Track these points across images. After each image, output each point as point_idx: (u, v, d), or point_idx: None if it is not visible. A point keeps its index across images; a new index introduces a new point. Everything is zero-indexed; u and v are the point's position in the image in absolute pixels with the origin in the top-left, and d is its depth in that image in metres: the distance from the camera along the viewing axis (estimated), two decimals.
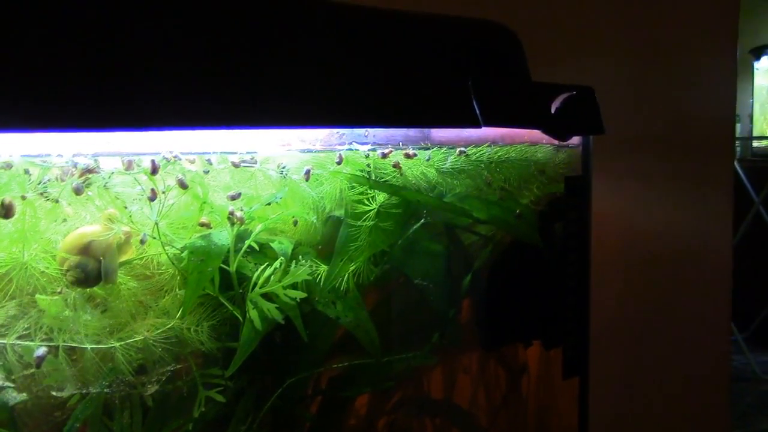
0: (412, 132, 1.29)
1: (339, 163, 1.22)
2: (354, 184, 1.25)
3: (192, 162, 1.18)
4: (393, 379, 1.40)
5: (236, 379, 1.25)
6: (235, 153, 1.18)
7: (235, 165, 1.18)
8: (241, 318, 1.19)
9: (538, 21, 2.16)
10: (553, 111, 1.43)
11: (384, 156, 1.25)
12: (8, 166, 1.06)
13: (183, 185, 1.14)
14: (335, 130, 1.21)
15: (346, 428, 1.44)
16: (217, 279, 1.20)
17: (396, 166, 1.26)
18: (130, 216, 1.13)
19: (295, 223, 1.25)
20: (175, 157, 1.12)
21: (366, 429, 1.52)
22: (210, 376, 1.26)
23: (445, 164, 1.30)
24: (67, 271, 1.13)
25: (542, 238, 1.44)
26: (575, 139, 1.53)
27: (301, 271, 1.19)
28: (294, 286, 1.20)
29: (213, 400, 1.24)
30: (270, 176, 1.21)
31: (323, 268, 1.25)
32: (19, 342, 1.12)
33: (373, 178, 1.26)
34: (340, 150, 1.22)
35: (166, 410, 1.25)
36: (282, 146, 1.20)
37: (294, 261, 1.21)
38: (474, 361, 1.56)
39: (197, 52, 1.06)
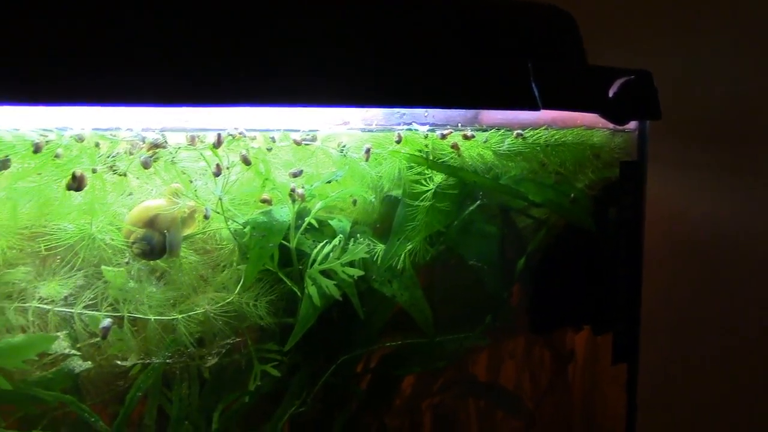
0: (470, 113, 1.33)
1: (398, 143, 1.26)
2: (412, 164, 1.29)
3: (253, 139, 1.23)
4: (445, 359, 1.44)
5: (291, 355, 1.30)
6: (298, 131, 1.22)
7: (297, 143, 1.23)
8: (299, 294, 1.24)
9: (592, 2, 2.18)
10: (610, 95, 1.45)
11: (443, 137, 1.28)
12: (80, 139, 1.12)
13: (246, 161, 1.19)
14: (396, 110, 1.25)
15: (394, 407, 1.50)
16: (276, 255, 1.25)
17: (454, 147, 1.29)
18: (195, 191, 1.19)
19: (354, 202, 1.30)
20: (240, 133, 1.17)
21: (412, 409, 1.57)
22: (265, 351, 1.31)
23: (502, 146, 1.34)
24: (133, 243, 1.18)
25: (596, 223, 1.48)
26: (631, 124, 1.55)
27: (360, 249, 1.24)
28: (351, 264, 1.25)
29: (268, 374, 1.30)
30: (330, 154, 1.26)
31: (380, 247, 1.30)
32: (85, 311, 1.19)
33: (431, 158, 1.29)
34: (399, 129, 1.26)
35: (222, 383, 1.31)
36: (342, 124, 1.24)
37: (352, 239, 1.25)
38: (522, 345, 1.61)
39: (269, 32, 1.11)
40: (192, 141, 1.19)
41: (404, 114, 1.26)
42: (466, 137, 1.31)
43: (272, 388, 1.31)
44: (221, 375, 1.29)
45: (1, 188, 1.11)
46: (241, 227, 1.20)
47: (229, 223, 1.20)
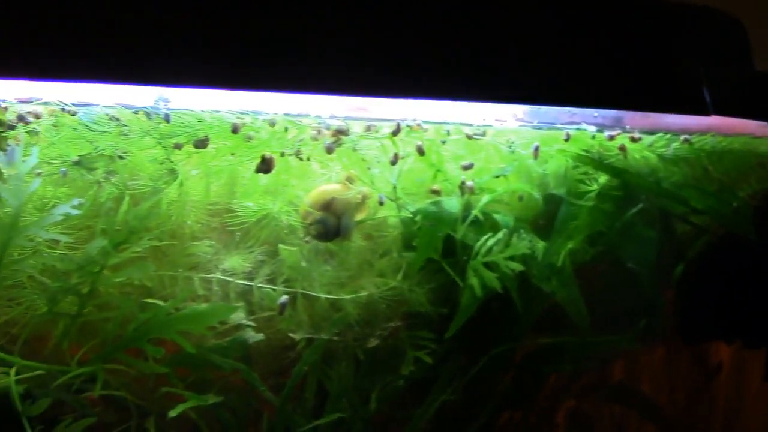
0: (638, 116, 1.36)
1: (566, 141, 1.30)
2: (578, 164, 1.33)
3: (425, 131, 1.30)
4: (595, 360, 1.48)
5: (444, 344, 1.37)
6: (471, 125, 1.29)
7: (468, 137, 1.29)
8: (461, 284, 1.30)
9: (760, 8, 2.15)
10: None
11: (611, 138, 1.32)
12: (272, 123, 1.21)
13: (421, 152, 1.26)
14: (567, 109, 1.29)
15: (536, 405, 1.54)
16: (440, 245, 1.32)
17: (622, 149, 1.33)
18: (372, 178, 1.27)
19: (521, 198, 1.35)
20: (417, 125, 1.24)
21: (550, 409, 1.61)
22: (419, 338, 1.38)
23: (667, 150, 1.36)
24: (310, 225, 1.27)
25: (757, 234, 1.48)
26: None
27: (522, 244, 1.29)
28: (512, 259, 1.30)
29: (420, 360, 1.37)
30: (500, 149, 1.31)
31: (540, 244, 1.34)
32: (263, 286, 1.29)
33: (598, 158, 1.33)
34: (568, 128, 1.30)
35: (377, 365, 1.39)
36: (513, 121, 1.29)
37: (515, 234, 1.30)
38: (667, 352, 1.62)
39: (458, 33, 1.17)
40: (367, 130, 1.27)
41: (574, 113, 1.31)
42: (633, 140, 1.34)
43: (424, 376, 1.37)
44: (376, 357, 1.37)
45: (198, 166, 1.21)
46: (411, 216, 1.27)
47: (399, 211, 1.27)
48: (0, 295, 1.17)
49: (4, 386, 1.18)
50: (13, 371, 1.19)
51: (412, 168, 1.25)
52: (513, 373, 1.48)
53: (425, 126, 1.25)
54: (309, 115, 1.18)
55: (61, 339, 1.22)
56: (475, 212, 1.28)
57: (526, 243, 1.28)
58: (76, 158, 1.16)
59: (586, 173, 1.33)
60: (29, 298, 1.22)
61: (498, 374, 1.43)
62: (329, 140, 1.19)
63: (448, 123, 1.25)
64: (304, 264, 1.26)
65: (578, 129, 1.28)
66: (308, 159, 1.22)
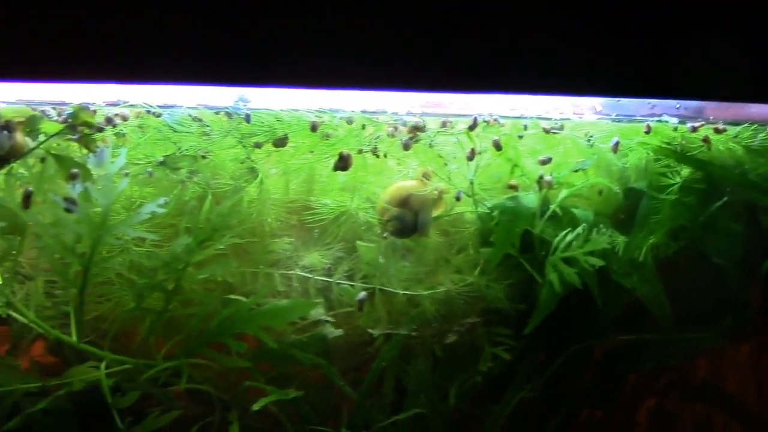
0: (721, 107, 1.33)
1: (647, 134, 1.28)
2: (659, 156, 1.30)
3: (502, 125, 1.30)
4: (678, 357, 1.45)
5: (521, 340, 1.36)
6: (548, 119, 1.28)
7: (546, 131, 1.28)
8: (539, 280, 1.29)
9: None
10: None
11: (693, 129, 1.29)
12: (349, 121, 1.23)
13: (498, 147, 1.26)
14: (647, 101, 1.27)
15: (616, 403, 1.52)
16: (517, 241, 1.32)
17: (706, 140, 1.30)
18: (449, 174, 1.27)
19: (600, 192, 1.33)
20: (494, 119, 1.24)
21: (630, 407, 1.59)
22: (496, 334, 1.38)
23: (753, 141, 1.32)
24: (387, 221, 1.29)
25: None
26: None
27: (602, 239, 1.27)
28: (592, 254, 1.29)
29: (498, 357, 1.36)
30: (578, 143, 1.30)
31: (621, 239, 1.32)
32: (342, 282, 1.31)
33: (680, 151, 1.31)
34: (648, 120, 1.28)
35: (454, 361, 1.39)
36: (591, 114, 1.28)
37: (594, 229, 1.29)
38: (755, 349, 1.58)
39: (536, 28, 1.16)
40: (443, 126, 1.27)
41: (654, 105, 1.28)
42: (717, 131, 1.31)
43: (501, 372, 1.37)
44: (453, 353, 1.37)
45: (277, 164, 1.24)
46: (488, 211, 1.27)
47: (476, 206, 1.27)
48: (90, 292, 1.22)
49: (95, 379, 1.23)
50: (103, 365, 1.24)
51: (489, 163, 1.25)
52: (592, 370, 1.46)
53: (502, 121, 1.24)
54: (385, 111, 1.20)
55: (147, 334, 1.26)
56: (553, 207, 1.28)
57: (606, 238, 1.26)
58: (161, 159, 1.19)
59: (667, 166, 1.30)
60: (117, 295, 1.27)
61: (577, 372, 1.42)
62: (406, 137, 1.20)
63: (525, 117, 1.24)
64: (381, 260, 1.27)
65: (659, 121, 1.26)
66: (385, 156, 1.22)
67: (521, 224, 1.27)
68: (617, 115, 1.28)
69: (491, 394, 1.41)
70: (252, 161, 1.21)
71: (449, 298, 1.30)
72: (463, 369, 1.38)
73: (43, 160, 1.17)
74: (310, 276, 1.27)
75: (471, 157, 1.22)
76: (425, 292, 1.28)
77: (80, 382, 1.24)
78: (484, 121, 1.21)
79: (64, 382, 1.24)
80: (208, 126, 1.19)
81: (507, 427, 1.39)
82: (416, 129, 1.20)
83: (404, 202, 1.24)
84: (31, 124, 1.17)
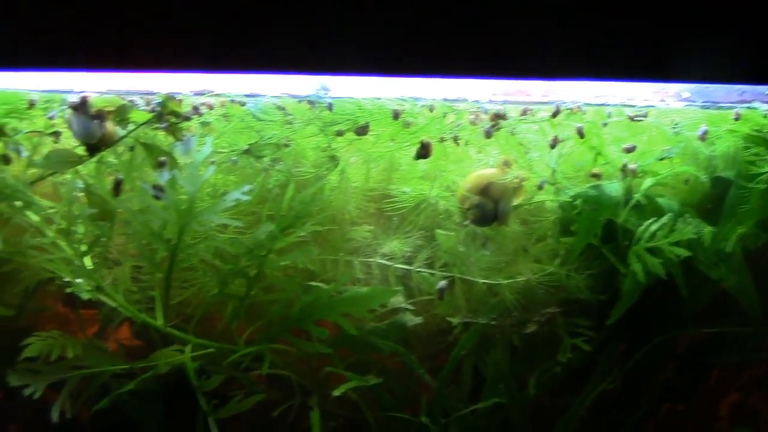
0: None
1: (736, 121, 1.25)
2: (749, 144, 1.27)
3: (585, 113, 1.28)
4: (766, 351, 1.42)
5: (602, 331, 1.34)
6: (633, 106, 1.26)
7: (630, 118, 1.26)
8: (622, 270, 1.28)
9: None
10: None
11: None
12: (431, 109, 1.23)
13: (581, 134, 1.24)
14: (736, 87, 1.24)
15: (699, 397, 1.49)
16: (600, 230, 1.30)
17: None
18: (530, 162, 1.26)
19: (687, 181, 1.31)
20: (578, 107, 1.22)
21: (713, 401, 1.55)
22: (576, 325, 1.37)
23: None
24: (467, 210, 1.29)
25: None
26: None
27: (688, 229, 1.25)
28: (677, 244, 1.26)
29: (577, 348, 1.35)
30: (664, 131, 1.28)
31: (707, 229, 1.29)
32: (421, 270, 1.31)
33: None
34: (737, 107, 1.25)
35: (533, 351, 1.39)
36: (680, 101, 1.25)
37: (680, 218, 1.26)
38: None
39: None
40: (524, 113, 1.27)
41: (744, 91, 1.25)
42: None
43: (582, 363, 1.36)
44: (532, 343, 1.37)
45: (358, 152, 1.25)
46: (570, 200, 1.26)
47: (557, 195, 1.26)
48: (175, 277, 1.25)
49: (180, 363, 1.27)
50: (188, 349, 1.28)
51: (572, 151, 1.24)
52: (675, 363, 1.44)
53: (585, 108, 1.23)
54: (467, 99, 1.19)
55: (230, 319, 1.29)
56: (637, 196, 1.26)
57: (692, 228, 1.24)
58: (246, 147, 1.22)
59: (757, 154, 1.27)
60: (201, 280, 1.30)
61: (659, 364, 1.40)
62: (487, 124, 1.19)
63: (608, 105, 1.22)
64: (461, 249, 1.27)
65: (749, 108, 1.23)
66: (466, 144, 1.22)
67: (604, 213, 1.25)
68: (704, 102, 1.25)
69: (571, 385, 1.40)
70: (333, 149, 1.22)
71: (529, 288, 1.29)
72: (542, 359, 1.37)
73: (132, 148, 1.21)
74: (389, 264, 1.28)
75: (553, 145, 1.21)
76: (505, 281, 1.28)
77: (166, 365, 1.28)
78: (567, 109, 1.20)
79: (151, 364, 1.28)
80: (290, 114, 1.20)
81: (587, 419, 1.38)
82: (498, 117, 1.19)
83: (485, 190, 1.24)
84: (120, 114, 1.20)
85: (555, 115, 1.17)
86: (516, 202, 1.28)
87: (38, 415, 1.34)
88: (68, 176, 1.20)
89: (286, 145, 1.22)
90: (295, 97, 1.20)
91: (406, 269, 1.29)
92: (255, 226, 1.23)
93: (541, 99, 1.21)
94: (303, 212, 1.21)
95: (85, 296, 1.22)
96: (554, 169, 1.21)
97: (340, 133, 1.21)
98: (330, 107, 1.18)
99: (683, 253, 1.24)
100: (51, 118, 1.23)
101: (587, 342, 1.33)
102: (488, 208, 1.24)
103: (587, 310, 1.34)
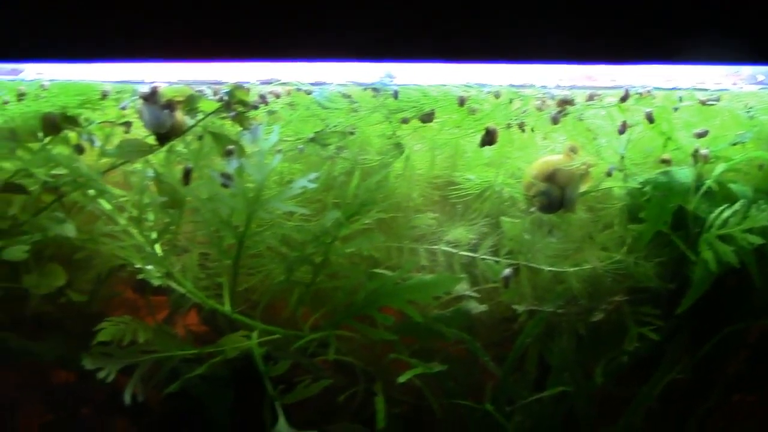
0: None
1: None
2: None
3: (654, 98, 1.25)
4: None
5: (670, 320, 1.32)
6: (704, 90, 1.23)
7: (702, 103, 1.23)
8: (692, 258, 1.25)
9: None
10: None
11: None
12: (497, 95, 1.22)
13: (650, 119, 1.22)
14: None
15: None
16: (669, 217, 1.28)
17: None
18: (598, 148, 1.25)
19: (761, 167, 1.27)
20: (647, 92, 1.20)
21: None
22: (643, 314, 1.35)
23: None
24: (533, 196, 1.27)
25: None
26: None
27: (762, 216, 1.22)
28: (751, 231, 1.23)
29: (644, 337, 1.33)
30: (737, 115, 1.24)
31: None
32: (486, 257, 1.31)
33: None
34: None
35: (599, 340, 1.37)
36: (755, 84, 1.22)
37: (753, 205, 1.23)
38: None
39: None
40: (590, 99, 1.25)
41: None
42: None
43: (649, 352, 1.34)
44: (598, 332, 1.35)
45: (423, 139, 1.25)
46: (639, 187, 1.24)
47: (626, 181, 1.24)
48: (242, 264, 1.27)
49: (247, 348, 1.29)
50: (255, 334, 1.30)
51: (641, 137, 1.22)
52: (746, 353, 1.41)
53: (655, 93, 1.21)
54: (533, 85, 1.18)
55: (295, 306, 1.31)
56: (709, 182, 1.23)
57: (766, 215, 1.21)
58: (312, 135, 1.23)
59: None
60: (268, 267, 1.32)
61: (730, 354, 1.37)
62: (554, 110, 1.18)
63: (679, 89, 1.20)
64: (526, 236, 1.26)
65: None
66: (532, 130, 1.21)
67: (674, 200, 1.23)
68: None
69: (638, 374, 1.38)
70: (398, 137, 1.23)
71: (595, 276, 1.28)
72: (608, 348, 1.36)
73: (200, 137, 1.23)
74: (454, 251, 1.28)
75: (622, 130, 1.19)
76: (571, 269, 1.27)
77: (234, 350, 1.30)
78: (637, 93, 1.18)
79: (219, 350, 1.31)
80: (356, 102, 1.21)
81: (654, 409, 1.36)
82: (565, 103, 1.18)
83: (551, 177, 1.23)
84: (189, 104, 1.23)
85: (624, 99, 1.15)
86: (583, 188, 1.26)
87: (110, 399, 1.38)
88: (139, 165, 1.22)
89: (351, 133, 1.23)
90: (360, 84, 1.21)
91: (471, 256, 1.28)
92: (320, 214, 1.24)
93: (609, 84, 1.19)
94: (368, 199, 1.21)
95: (156, 283, 1.25)
96: (623, 155, 1.19)
97: (405, 121, 1.21)
98: (395, 95, 1.19)
99: (757, 240, 1.21)
100: (123, 109, 1.25)
101: (655, 331, 1.31)
102: (554, 194, 1.23)
103: (656, 298, 1.32)
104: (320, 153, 1.24)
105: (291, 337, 1.32)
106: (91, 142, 1.24)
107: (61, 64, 1.21)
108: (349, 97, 1.20)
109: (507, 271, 1.24)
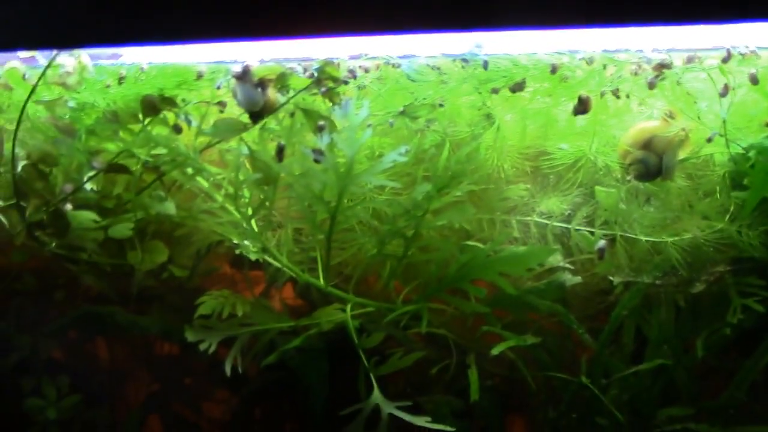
0: None
1: None
2: None
3: (760, 57, 1.19)
4: None
5: None
6: None
7: None
8: None
9: None
10: None
11: None
12: (590, 61, 1.19)
13: (754, 81, 1.16)
14: None
15: None
16: None
17: None
18: (698, 113, 1.20)
19: None
20: (751, 51, 1.14)
21: None
22: (747, 284, 1.29)
23: None
24: (630, 165, 1.24)
25: None
26: None
27: None
28: None
29: (749, 308, 1.28)
30: None
31: None
32: (581, 228, 1.28)
33: None
34: None
35: (699, 312, 1.33)
36: None
37: None
38: None
39: None
40: (689, 61, 1.20)
41: None
42: None
43: (753, 324, 1.29)
44: (698, 304, 1.31)
45: (514, 109, 1.23)
46: (743, 152, 1.19)
47: (728, 147, 1.19)
48: (335, 239, 1.29)
49: (341, 321, 1.32)
50: (348, 308, 1.32)
51: (744, 100, 1.16)
52: None
53: (759, 52, 1.15)
54: (628, 50, 1.14)
55: (388, 279, 1.32)
56: None
57: None
58: (401, 109, 1.23)
59: None
60: (360, 241, 1.33)
61: None
62: (650, 75, 1.14)
63: None
64: (622, 206, 1.23)
65: None
66: (627, 96, 1.18)
67: None
68: None
69: (742, 347, 1.33)
70: (488, 108, 1.21)
71: (696, 246, 1.23)
72: (709, 320, 1.31)
73: (292, 114, 1.25)
74: (547, 222, 1.26)
75: (724, 93, 1.14)
76: (670, 239, 1.23)
77: (329, 323, 1.32)
78: (739, 54, 1.12)
79: (314, 322, 1.33)
80: (445, 74, 1.20)
81: (759, 383, 1.31)
82: (662, 66, 1.14)
83: (647, 144, 1.20)
84: (281, 81, 1.24)
85: (726, 60, 1.10)
86: (681, 155, 1.22)
87: (211, 369, 1.43)
88: (234, 143, 1.25)
89: (441, 105, 1.22)
90: (449, 56, 1.20)
91: (565, 228, 1.26)
92: (411, 187, 1.24)
93: (710, 45, 1.14)
94: (458, 172, 1.21)
95: (253, 257, 1.28)
96: (724, 119, 1.14)
97: (495, 91, 1.20)
98: (485, 65, 1.17)
99: None
100: (218, 88, 1.29)
101: (761, 302, 1.26)
102: (652, 162, 1.20)
103: (761, 268, 1.26)
104: (410, 126, 1.24)
105: (384, 310, 1.33)
106: (188, 122, 1.28)
107: (158, 47, 1.24)
108: (438, 69, 1.20)
109: (602, 242, 1.22)
